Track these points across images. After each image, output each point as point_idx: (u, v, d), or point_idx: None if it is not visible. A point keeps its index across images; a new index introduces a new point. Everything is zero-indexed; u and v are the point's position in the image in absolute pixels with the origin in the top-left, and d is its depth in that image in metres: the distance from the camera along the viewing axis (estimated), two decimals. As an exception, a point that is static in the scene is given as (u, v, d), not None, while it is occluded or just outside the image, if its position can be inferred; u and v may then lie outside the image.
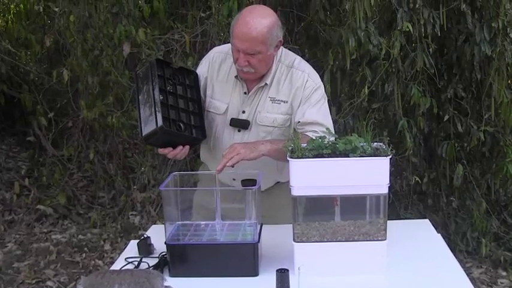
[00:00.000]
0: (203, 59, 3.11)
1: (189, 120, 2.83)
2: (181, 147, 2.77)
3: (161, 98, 2.72)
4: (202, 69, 3.04)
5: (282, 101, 2.89)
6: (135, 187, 6.04)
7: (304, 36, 5.43)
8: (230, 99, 2.95)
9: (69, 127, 6.44)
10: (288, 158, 2.30)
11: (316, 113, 2.87)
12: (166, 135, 2.70)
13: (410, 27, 4.69)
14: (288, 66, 2.92)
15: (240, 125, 2.91)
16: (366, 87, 4.81)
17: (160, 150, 2.80)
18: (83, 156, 6.37)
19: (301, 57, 3.05)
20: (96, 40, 5.40)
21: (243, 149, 2.66)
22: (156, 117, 2.66)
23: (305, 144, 2.38)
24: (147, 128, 2.71)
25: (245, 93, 2.92)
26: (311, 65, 3.02)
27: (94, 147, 6.23)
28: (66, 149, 6.38)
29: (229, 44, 2.91)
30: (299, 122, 2.85)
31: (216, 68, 2.99)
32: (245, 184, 2.50)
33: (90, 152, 6.10)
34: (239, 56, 2.74)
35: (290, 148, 2.37)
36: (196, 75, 2.96)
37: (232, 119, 2.91)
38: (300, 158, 2.32)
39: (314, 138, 2.49)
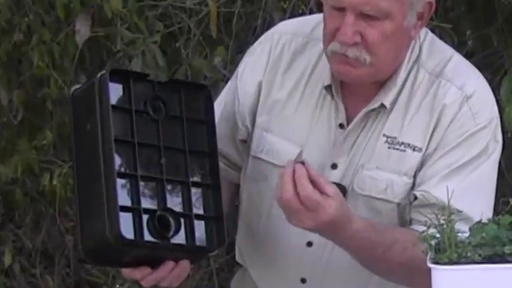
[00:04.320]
0: (256, 44, 2.37)
1: (186, 206, 2.09)
2: (169, 265, 2.03)
3: (119, 163, 2.02)
4: (254, 68, 2.31)
5: (411, 145, 2.17)
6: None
7: (463, 4, 4.12)
8: (308, 136, 2.23)
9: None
10: (430, 265, 1.64)
11: (456, 186, 2.04)
12: (133, 249, 2.02)
13: None
14: (434, 75, 2.18)
15: None
16: None
17: (127, 273, 2.09)
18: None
19: (456, 49, 2.38)
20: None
21: (312, 220, 1.95)
22: (107, 211, 1.94)
23: (464, 235, 1.70)
24: (90, 232, 2.02)
25: (341, 125, 2.19)
26: (478, 69, 2.28)
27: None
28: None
29: (309, 18, 2.41)
30: (414, 195, 2.18)
31: (282, 66, 2.25)
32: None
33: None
34: (343, 21, 2.00)
35: (433, 243, 1.70)
36: (208, 95, 2.20)
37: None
38: (458, 262, 1.64)
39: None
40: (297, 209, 1.94)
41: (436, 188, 2.11)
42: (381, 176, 2.19)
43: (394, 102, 2.20)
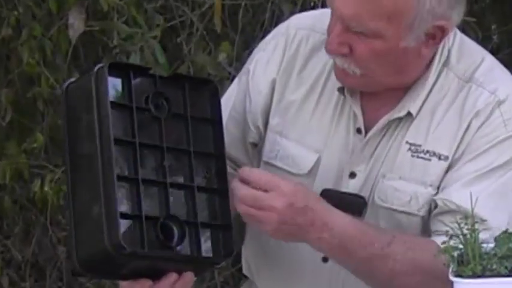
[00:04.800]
0: (268, 39, 2.28)
1: (191, 213, 2.02)
2: (172, 278, 1.94)
3: (119, 166, 1.93)
4: (267, 65, 2.23)
5: (436, 154, 2.08)
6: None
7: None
8: (326, 142, 2.17)
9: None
10: (452, 278, 1.61)
11: (480, 193, 2.00)
12: (133, 260, 1.93)
13: None
14: (464, 80, 2.10)
15: (345, 206, 2.05)
16: None
17: (125, 286, 2.02)
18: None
19: (481, 45, 2.29)
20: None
21: (287, 211, 1.88)
22: (105, 218, 1.86)
23: (489, 246, 1.70)
24: (86, 242, 1.95)
25: (358, 131, 2.12)
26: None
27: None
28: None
29: (327, 12, 2.10)
30: (435, 202, 2.10)
31: (298, 65, 2.19)
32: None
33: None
34: (334, 29, 1.99)
35: (455, 254, 1.69)
36: (215, 91, 2.11)
37: (326, 192, 2.07)
38: (482, 275, 1.61)
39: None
40: (256, 198, 1.89)
41: (458, 193, 2.01)
42: (405, 187, 2.11)
43: (419, 109, 2.12)
